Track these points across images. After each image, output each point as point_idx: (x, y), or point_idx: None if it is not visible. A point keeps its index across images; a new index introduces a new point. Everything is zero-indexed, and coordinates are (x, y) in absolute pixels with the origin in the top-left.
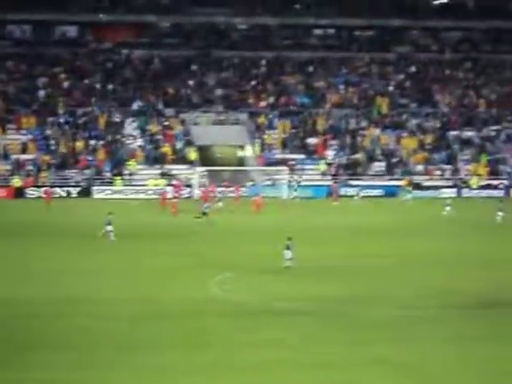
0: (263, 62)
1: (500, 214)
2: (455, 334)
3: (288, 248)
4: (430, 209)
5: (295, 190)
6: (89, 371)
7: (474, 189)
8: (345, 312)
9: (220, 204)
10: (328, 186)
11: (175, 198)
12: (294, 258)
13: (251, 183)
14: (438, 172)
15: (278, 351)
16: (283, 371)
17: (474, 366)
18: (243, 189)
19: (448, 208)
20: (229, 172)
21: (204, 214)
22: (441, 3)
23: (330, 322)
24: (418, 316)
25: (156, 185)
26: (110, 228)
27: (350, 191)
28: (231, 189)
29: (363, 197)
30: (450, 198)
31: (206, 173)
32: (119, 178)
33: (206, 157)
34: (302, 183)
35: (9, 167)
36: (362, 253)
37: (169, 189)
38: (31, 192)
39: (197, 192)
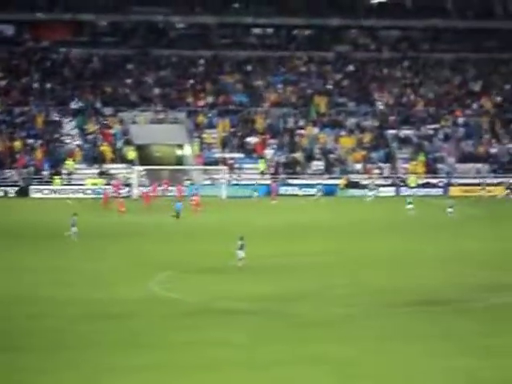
0: (202, 60)
1: (450, 210)
2: (394, 331)
3: (241, 248)
4: (367, 207)
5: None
6: (24, 373)
7: (412, 187)
8: (287, 311)
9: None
10: (267, 185)
11: (117, 197)
12: (235, 256)
13: (189, 182)
14: (377, 171)
15: (221, 351)
16: (226, 371)
17: (409, 364)
18: (183, 188)
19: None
20: (168, 171)
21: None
22: (379, 2)
23: (272, 321)
24: (359, 314)
25: (94, 184)
26: (74, 229)
27: (289, 190)
28: (171, 187)
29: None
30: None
31: (144, 172)
32: (58, 177)
33: (144, 156)
34: (241, 182)
35: None
36: (302, 251)
37: (108, 188)
38: None
39: (136, 191)
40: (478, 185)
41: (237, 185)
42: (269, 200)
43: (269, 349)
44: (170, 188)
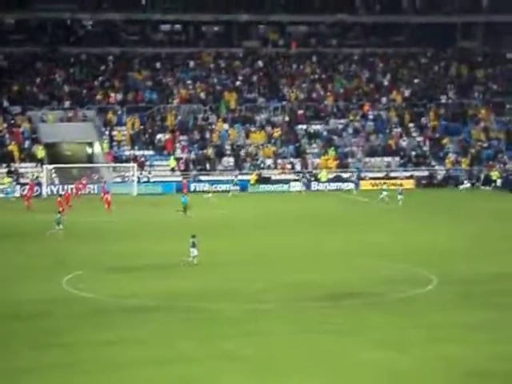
0: (110, 58)
1: (400, 197)
2: (308, 326)
3: (193, 245)
4: (281, 202)
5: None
6: None
7: (323, 182)
8: (196, 307)
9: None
10: (178, 181)
11: (27, 196)
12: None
13: (100, 180)
14: (288, 166)
15: (131, 348)
16: (138, 368)
17: (325, 358)
18: (92, 186)
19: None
20: (78, 169)
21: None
22: None
23: (182, 318)
24: (268, 309)
25: (2, 184)
26: (59, 227)
27: (201, 186)
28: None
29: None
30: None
31: (54, 170)
32: None
33: (54, 154)
34: (152, 179)
35: None
36: (215, 248)
37: (18, 187)
38: None
39: (46, 190)
40: (388, 178)
41: (148, 182)
42: (180, 197)
43: (178, 345)
44: (87, 186)
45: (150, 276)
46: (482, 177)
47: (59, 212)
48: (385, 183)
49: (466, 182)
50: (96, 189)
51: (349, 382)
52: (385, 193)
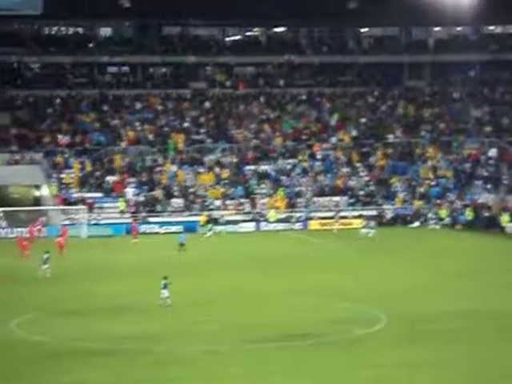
0: (58, 100)
1: (371, 231)
2: (256, 368)
3: (164, 287)
4: (231, 242)
5: None
6: None
7: (272, 222)
8: (148, 349)
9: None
10: (127, 223)
11: None
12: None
13: (48, 223)
14: (237, 207)
15: None
16: None
17: None
18: (43, 229)
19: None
20: (25, 212)
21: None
22: (234, 40)
23: (133, 361)
24: (221, 351)
25: None
26: (46, 266)
27: (149, 228)
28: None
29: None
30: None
31: (1, 213)
32: None
33: (1, 197)
34: (101, 221)
35: None
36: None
37: None
38: None
39: None
40: (336, 218)
41: (97, 224)
42: (130, 239)
43: None
44: (42, 229)
45: (102, 318)
46: (431, 215)
47: (47, 252)
48: (337, 222)
49: (415, 220)
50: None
51: None
52: (364, 230)
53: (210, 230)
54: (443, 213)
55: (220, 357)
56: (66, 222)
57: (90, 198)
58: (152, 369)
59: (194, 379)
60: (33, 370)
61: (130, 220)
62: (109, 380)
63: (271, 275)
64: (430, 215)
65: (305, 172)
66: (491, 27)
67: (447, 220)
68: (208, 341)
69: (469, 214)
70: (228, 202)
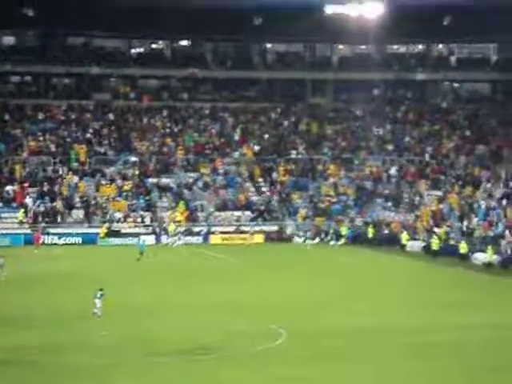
0: None
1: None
2: (157, 381)
3: (99, 297)
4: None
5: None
6: None
7: (172, 235)
8: (47, 361)
9: None
10: (26, 234)
11: None
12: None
13: None
14: (138, 219)
15: None
16: None
17: None
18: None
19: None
20: None
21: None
22: (139, 52)
23: (30, 372)
24: (122, 364)
25: None
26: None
27: (49, 239)
28: None
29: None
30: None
31: None
32: None
33: None
34: (0, 231)
35: None
36: (60, 301)
37: None
38: None
39: None
40: (238, 232)
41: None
42: (29, 249)
43: None
44: None
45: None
46: (331, 231)
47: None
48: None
49: (315, 237)
50: None
51: None
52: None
53: (179, 239)
54: (343, 230)
55: (118, 370)
56: None
57: None
58: (44, 381)
59: None
60: None
61: (29, 230)
62: None
63: (171, 289)
64: (330, 232)
65: (207, 186)
66: (395, 46)
67: (347, 237)
68: (105, 354)
69: (370, 232)
70: (130, 214)
